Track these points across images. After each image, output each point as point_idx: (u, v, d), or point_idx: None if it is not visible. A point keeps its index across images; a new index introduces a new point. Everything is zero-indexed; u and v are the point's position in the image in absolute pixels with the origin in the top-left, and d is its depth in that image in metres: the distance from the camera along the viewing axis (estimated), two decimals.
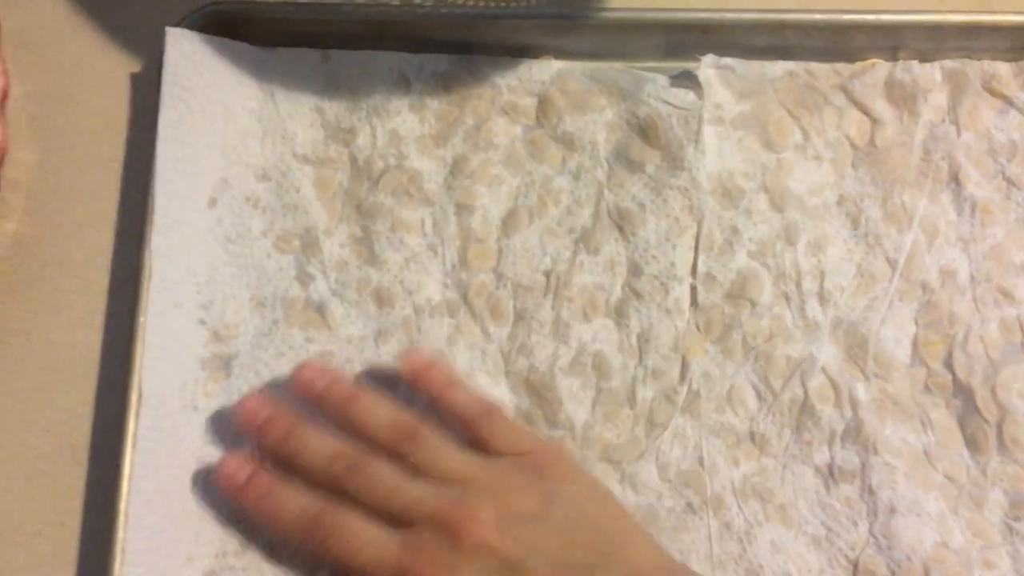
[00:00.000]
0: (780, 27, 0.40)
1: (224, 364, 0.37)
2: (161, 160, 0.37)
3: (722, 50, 0.40)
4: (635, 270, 0.38)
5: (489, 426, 0.34)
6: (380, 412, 0.34)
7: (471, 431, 0.34)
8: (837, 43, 0.41)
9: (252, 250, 0.38)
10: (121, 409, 0.35)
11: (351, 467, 0.33)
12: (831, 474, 0.36)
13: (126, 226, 0.39)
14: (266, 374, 0.36)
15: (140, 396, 0.35)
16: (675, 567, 0.33)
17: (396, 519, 0.32)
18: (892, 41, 0.41)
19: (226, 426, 0.36)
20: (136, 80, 0.41)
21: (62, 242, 0.39)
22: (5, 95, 0.40)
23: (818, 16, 0.40)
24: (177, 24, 0.39)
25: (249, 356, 0.37)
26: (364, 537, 0.32)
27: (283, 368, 0.37)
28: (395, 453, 0.33)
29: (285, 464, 0.34)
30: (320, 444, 0.34)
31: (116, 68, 0.41)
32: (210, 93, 0.39)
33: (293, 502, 0.33)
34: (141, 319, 0.36)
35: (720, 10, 0.40)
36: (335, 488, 0.33)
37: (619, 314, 0.38)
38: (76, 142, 0.41)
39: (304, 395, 0.35)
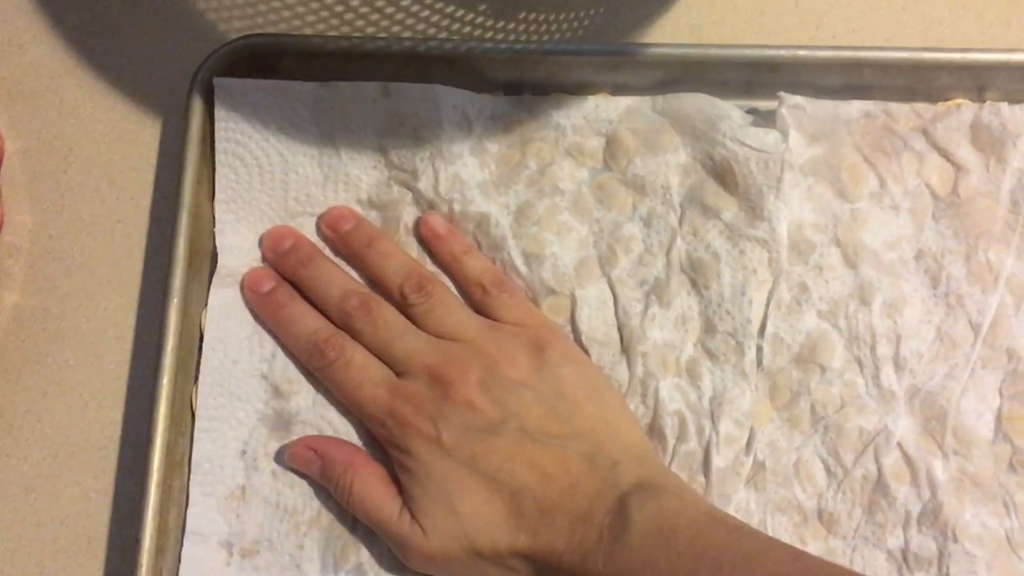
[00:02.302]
0: (857, 65, 0.37)
1: (285, 423, 0.35)
2: (221, 221, 0.36)
3: (793, 89, 0.37)
4: (708, 327, 0.35)
5: (498, 294, 0.35)
6: (398, 258, 0.35)
7: (480, 297, 0.35)
8: (919, 82, 0.38)
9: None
10: (141, 493, 0.33)
11: (361, 305, 0.34)
12: (905, 560, 0.33)
13: (141, 292, 0.37)
14: (331, 434, 0.34)
15: (179, 469, 0.33)
16: (648, 455, 0.33)
17: (394, 366, 0.34)
18: (978, 81, 0.37)
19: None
20: (141, 132, 0.39)
21: (69, 313, 0.37)
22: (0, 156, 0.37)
23: (899, 54, 0.37)
24: (203, 62, 0.36)
25: (311, 413, 0.35)
26: (365, 372, 0.33)
27: (348, 428, 0.35)
28: (404, 302, 0.34)
29: (301, 292, 0.35)
30: (336, 277, 0.35)
31: (120, 119, 0.39)
32: (266, 144, 0.37)
33: (308, 320, 0.35)
34: (164, 382, 0.34)
35: (792, 46, 0.37)
36: (344, 324, 0.34)
37: (691, 374, 0.35)
38: (78, 202, 0.38)
39: (329, 235, 0.36)
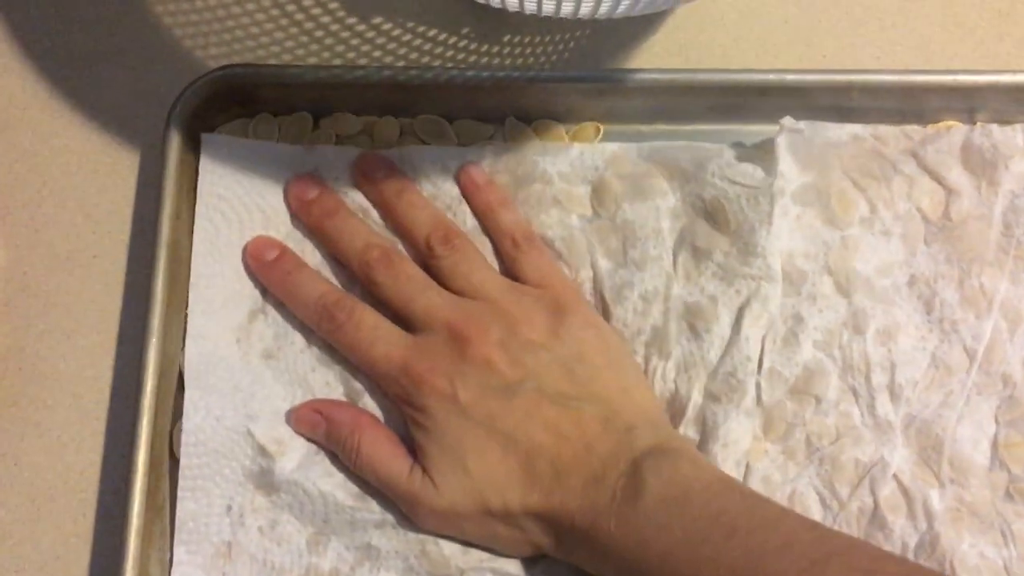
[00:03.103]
0: (846, 89, 0.36)
1: (272, 481, 0.33)
2: (196, 276, 0.35)
3: (781, 113, 0.37)
4: (711, 370, 0.34)
5: (526, 251, 0.34)
6: (427, 209, 0.35)
7: (509, 248, 0.35)
8: (909, 104, 0.37)
9: (295, 365, 0.35)
10: (121, 540, 0.32)
11: (383, 258, 0.34)
12: None
13: (120, 330, 0.36)
14: (316, 494, 0.33)
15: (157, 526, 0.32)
16: (663, 422, 0.33)
17: (412, 322, 0.33)
18: (969, 102, 0.37)
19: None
20: (118, 164, 0.38)
21: (45, 352, 0.36)
22: None
23: (888, 77, 0.37)
24: (180, 94, 0.35)
25: (298, 474, 0.33)
26: (376, 332, 0.33)
27: (334, 489, 0.33)
28: (430, 253, 0.34)
29: (323, 243, 0.35)
30: (359, 229, 0.35)
31: (96, 151, 0.38)
32: (248, 201, 0.36)
33: (315, 285, 0.34)
34: (143, 425, 0.33)
35: (780, 70, 0.37)
36: (364, 276, 0.34)
37: (699, 423, 0.34)
38: (53, 237, 0.37)
39: (360, 183, 0.36)
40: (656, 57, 0.40)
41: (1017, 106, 0.37)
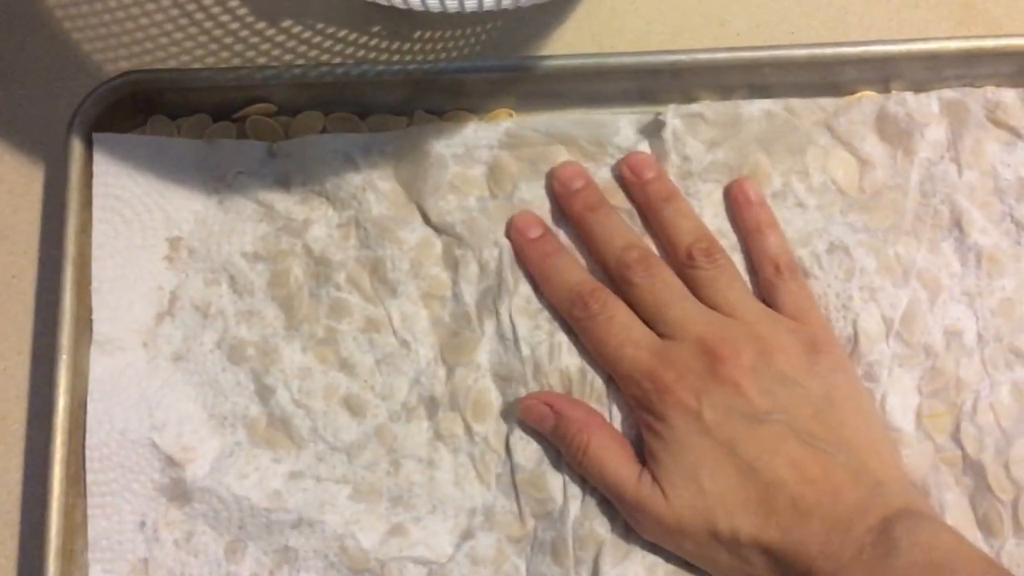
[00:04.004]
0: (757, 65, 0.36)
1: (184, 492, 0.33)
2: (98, 280, 0.34)
3: (696, 92, 0.37)
4: None
5: (788, 281, 0.33)
6: (693, 219, 0.34)
7: (771, 275, 0.34)
8: (824, 78, 0.37)
9: (205, 365, 0.34)
10: (41, 560, 0.31)
11: (642, 259, 0.33)
12: None
13: (33, 349, 0.36)
14: (230, 499, 0.33)
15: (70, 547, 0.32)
16: (909, 485, 0.32)
17: (663, 328, 0.33)
18: (883, 73, 0.37)
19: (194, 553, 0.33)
20: (27, 180, 0.37)
21: None
22: None
23: (799, 51, 0.36)
24: (80, 104, 0.35)
25: (211, 480, 0.33)
26: (628, 332, 0.33)
27: (249, 491, 0.33)
28: (691, 263, 0.33)
29: (581, 235, 0.35)
30: (620, 226, 0.34)
31: (2, 168, 0.37)
32: (148, 201, 0.35)
33: (573, 272, 0.34)
34: (56, 444, 0.32)
35: (690, 50, 0.36)
36: (620, 275, 0.33)
37: (600, 400, 0.34)
38: None
39: (630, 179, 0.35)
40: (568, 46, 0.39)
41: (932, 74, 0.37)
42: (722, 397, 0.31)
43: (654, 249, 0.35)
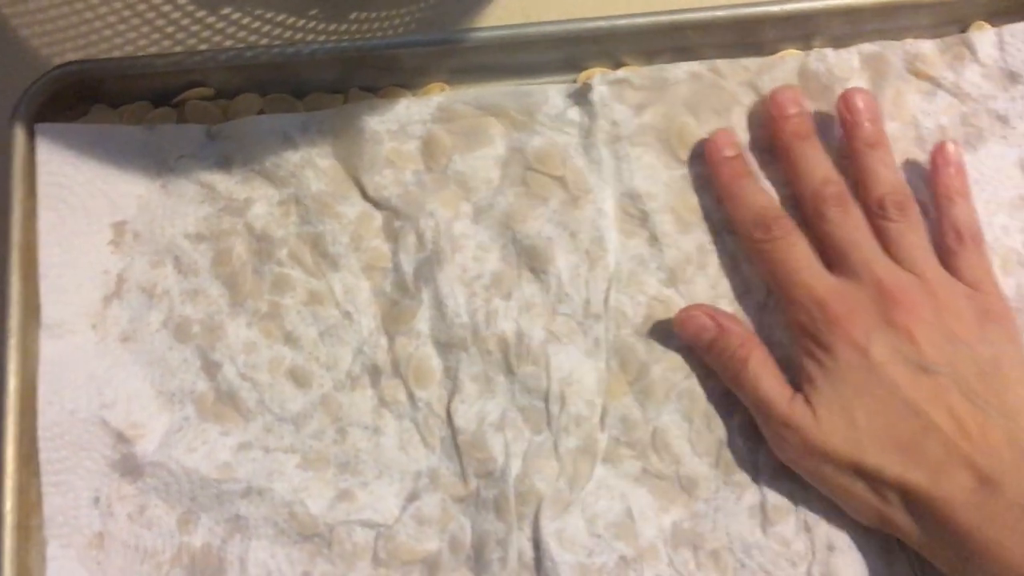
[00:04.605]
0: (679, 28, 0.37)
1: (136, 467, 0.34)
2: (45, 266, 0.35)
3: (622, 57, 0.37)
4: (551, 311, 0.35)
5: (970, 249, 0.34)
6: (891, 170, 0.34)
7: (952, 243, 0.34)
8: (746, 38, 0.37)
9: (153, 345, 0.35)
10: None
11: (839, 195, 0.34)
12: (764, 514, 0.33)
13: None
14: (180, 472, 0.34)
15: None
16: None
17: (844, 266, 0.33)
18: (804, 30, 0.37)
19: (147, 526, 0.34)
20: None
21: None
22: None
23: (719, 13, 0.37)
24: (23, 95, 0.36)
25: (160, 454, 0.34)
26: (807, 261, 0.33)
27: (198, 463, 0.34)
28: (881, 213, 0.34)
29: (784, 161, 0.35)
30: (824, 161, 0.35)
31: None
32: (91, 187, 0.36)
33: (761, 196, 0.35)
34: (8, 424, 0.33)
35: (610, 17, 0.37)
36: (814, 207, 0.34)
37: (537, 362, 0.35)
38: None
39: (845, 121, 0.35)
40: (499, 19, 0.40)
41: (852, 28, 0.37)
42: (892, 339, 0.32)
43: None
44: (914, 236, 0.34)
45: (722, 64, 0.37)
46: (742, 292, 0.35)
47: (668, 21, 0.37)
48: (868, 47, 0.37)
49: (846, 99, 0.35)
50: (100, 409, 0.34)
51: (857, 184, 0.35)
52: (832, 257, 0.34)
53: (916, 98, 0.37)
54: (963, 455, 0.30)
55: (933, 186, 0.35)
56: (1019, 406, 0.31)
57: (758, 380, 0.33)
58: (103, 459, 0.34)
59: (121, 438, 0.34)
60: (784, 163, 0.35)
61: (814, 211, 0.34)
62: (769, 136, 0.36)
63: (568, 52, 0.37)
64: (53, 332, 0.35)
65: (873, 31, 0.37)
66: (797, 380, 0.33)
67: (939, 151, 0.35)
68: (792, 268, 0.33)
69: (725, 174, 0.35)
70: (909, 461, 0.30)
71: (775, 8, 0.37)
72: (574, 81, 0.37)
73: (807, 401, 0.32)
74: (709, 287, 0.35)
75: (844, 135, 0.35)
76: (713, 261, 0.35)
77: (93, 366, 0.35)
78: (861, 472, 0.31)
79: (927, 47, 0.37)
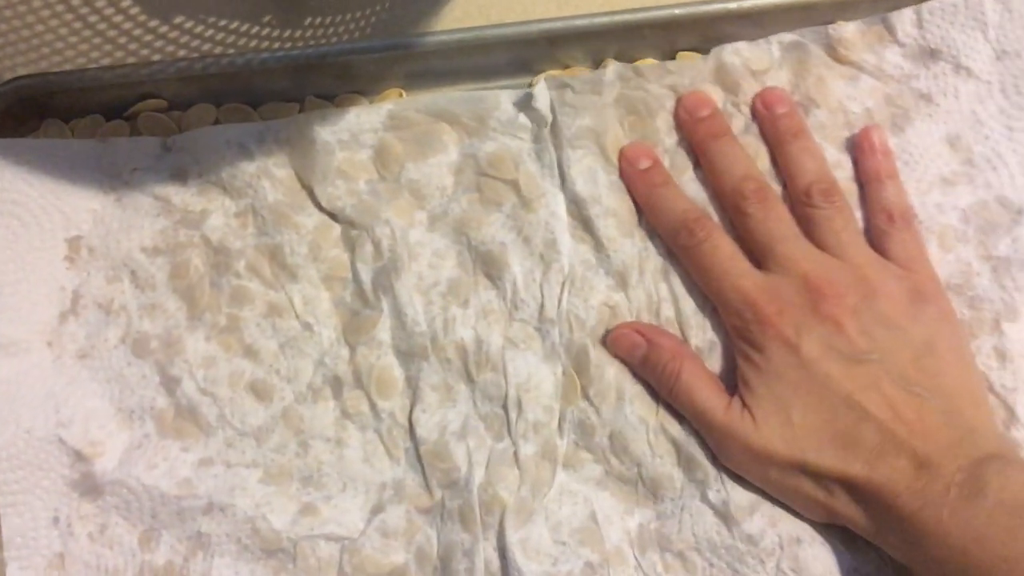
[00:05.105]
0: (636, 27, 0.36)
1: (94, 485, 0.34)
2: None
3: (578, 59, 0.37)
4: (509, 317, 0.35)
5: (900, 230, 0.34)
6: (816, 159, 0.35)
7: (884, 224, 0.34)
8: (705, 36, 0.37)
9: (111, 361, 0.35)
10: None
11: (759, 191, 0.34)
12: (729, 512, 0.33)
13: None
14: (140, 490, 0.34)
15: None
16: (1004, 436, 0.32)
17: (768, 261, 0.33)
18: (760, 26, 0.37)
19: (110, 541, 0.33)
20: None
21: None
22: None
23: (677, 11, 0.36)
24: None
25: (120, 472, 0.34)
26: (732, 261, 0.33)
27: (158, 480, 0.34)
28: (807, 201, 0.34)
29: (702, 161, 0.35)
30: (741, 158, 0.35)
31: None
32: (45, 203, 0.36)
33: (678, 201, 0.35)
34: None
35: (567, 17, 0.36)
36: (734, 204, 0.34)
37: (496, 369, 0.35)
38: None
39: (763, 113, 0.35)
40: (457, 21, 0.40)
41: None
42: (822, 333, 0.31)
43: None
44: (841, 220, 0.34)
45: (646, 67, 0.36)
46: (683, 294, 0.35)
47: (629, 20, 0.36)
48: (788, 36, 0.36)
49: (762, 96, 0.35)
50: (57, 428, 0.34)
51: (783, 176, 0.35)
52: (757, 253, 0.34)
53: (840, 84, 0.36)
54: (899, 441, 0.30)
55: (861, 171, 0.35)
56: (955, 387, 0.31)
57: (692, 392, 0.33)
58: (61, 479, 0.34)
59: (79, 457, 0.34)
60: (703, 163, 0.35)
61: (735, 208, 0.34)
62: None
63: (521, 54, 0.37)
64: (8, 350, 0.34)
65: (824, 23, 0.37)
66: (736, 384, 0.33)
67: (863, 136, 0.35)
68: (720, 271, 0.33)
69: (641, 186, 0.35)
70: (847, 454, 0.31)
71: (732, 5, 0.36)
72: (530, 84, 0.37)
73: (744, 405, 0.32)
74: (654, 290, 0.35)
75: (765, 129, 0.35)
76: (653, 266, 0.35)
77: (50, 384, 0.35)
78: (804, 470, 0.31)
79: (849, 31, 0.36)
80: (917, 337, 0.32)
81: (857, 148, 0.35)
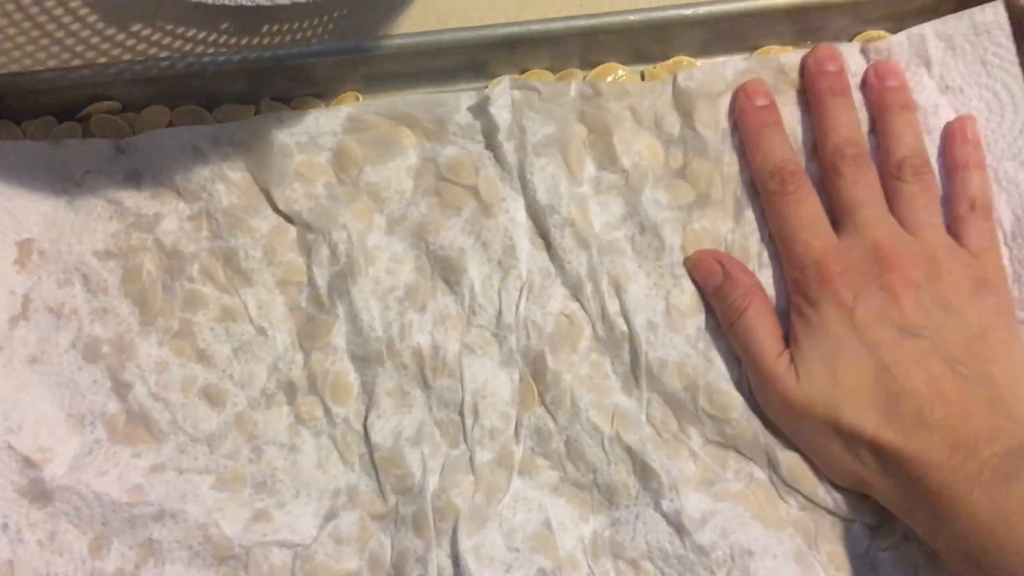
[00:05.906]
0: (592, 33, 0.36)
1: (44, 491, 0.33)
2: None
3: (535, 64, 0.37)
4: (466, 322, 0.35)
5: (979, 219, 0.34)
6: (915, 135, 0.35)
7: (964, 212, 0.34)
8: (659, 43, 0.37)
9: (61, 366, 0.35)
10: None
11: (857, 156, 0.34)
12: (681, 522, 0.33)
13: None
14: (91, 496, 0.33)
15: None
16: None
17: (848, 223, 0.34)
18: (721, 33, 0.37)
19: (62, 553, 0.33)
20: None
21: None
22: None
23: (632, 17, 0.36)
24: None
25: (69, 478, 0.33)
26: (812, 218, 0.34)
27: (109, 486, 0.33)
28: (898, 174, 0.34)
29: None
30: (850, 121, 0.35)
31: None
32: None
33: (784, 149, 0.35)
34: None
35: (524, 22, 0.36)
36: (831, 163, 0.34)
37: (452, 375, 0.34)
38: None
39: (871, 84, 0.36)
40: (415, 26, 0.39)
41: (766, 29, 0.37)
42: (878, 301, 0.32)
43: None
44: (924, 199, 0.34)
45: (605, 86, 0.36)
46: (634, 310, 0.34)
47: (583, 26, 0.36)
48: (741, 63, 0.36)
49: (875, 67, 0.36)
50: (6, 434, 0.34)
51: (880, 146, 0.35)
52: (839, 214, 0.34)
53: (792, 110, 0.36)
54: (937, 418, 0.30)
55: (949, 159, 0.35)
56: (1002, 377, 0.31)
57: (751, 331, 0.33)
58: (10, 485, 0.33)
59: (28, 463, 0.33)
60: (815, 116, 0.36)
61: (831, 166, 0.34)
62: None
63: (478, 58, 0.37)
64: None
65: (785, 33, 0.37)
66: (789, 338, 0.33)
67: (957, 125, 0.35)
68: (797, 224, 0.34)
69: (753, 122, 0.35)
70: (883, 421, 0.31)
71: (688, 11, 0.37)
72: (486, 87, 0.37)
73: (792, 360, 0.32)
74: (607, 304, 0.34)
75: (872, 98, 0.36)
76: (604, 279, 0.35)
77: (0, 389, 0.34)
78: (838, 430, 0.31)
79: (795, 59, 0.36)
80: (973, 323, 0.32)
81: (949, 136, 0.35)
